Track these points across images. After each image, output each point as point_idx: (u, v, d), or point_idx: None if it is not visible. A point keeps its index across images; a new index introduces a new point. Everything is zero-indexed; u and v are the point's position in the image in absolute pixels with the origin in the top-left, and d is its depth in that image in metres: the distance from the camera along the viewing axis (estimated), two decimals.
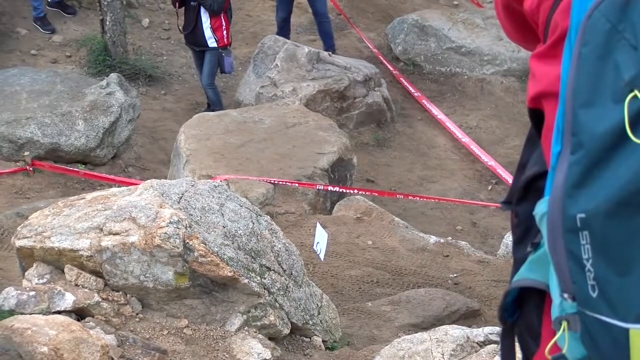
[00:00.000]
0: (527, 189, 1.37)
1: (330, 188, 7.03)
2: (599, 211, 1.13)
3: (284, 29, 10.51)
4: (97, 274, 3.63)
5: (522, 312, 1.39)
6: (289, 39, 10.23)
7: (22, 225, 3.86)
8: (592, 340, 1.18)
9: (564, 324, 1.20)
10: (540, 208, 1.24)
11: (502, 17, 1.58)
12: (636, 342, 1.14)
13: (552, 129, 1.23)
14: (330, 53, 10.19)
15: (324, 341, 4.25)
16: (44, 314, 3.38)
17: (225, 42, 9.42)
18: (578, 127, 1.15)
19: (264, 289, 3.85)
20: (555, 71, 1.23)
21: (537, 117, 1.34)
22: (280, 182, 6.76)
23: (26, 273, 3.74)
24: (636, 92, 1.10)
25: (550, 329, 1.25)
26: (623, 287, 1.13)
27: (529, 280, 1.32)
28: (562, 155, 1.18)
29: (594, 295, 1.15)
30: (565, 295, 1.19)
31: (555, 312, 1.22)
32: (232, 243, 3.78)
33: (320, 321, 4.28)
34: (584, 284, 1.16)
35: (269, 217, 4.42)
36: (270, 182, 6.72)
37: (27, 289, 3.54)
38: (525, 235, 1.36)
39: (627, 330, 1.14)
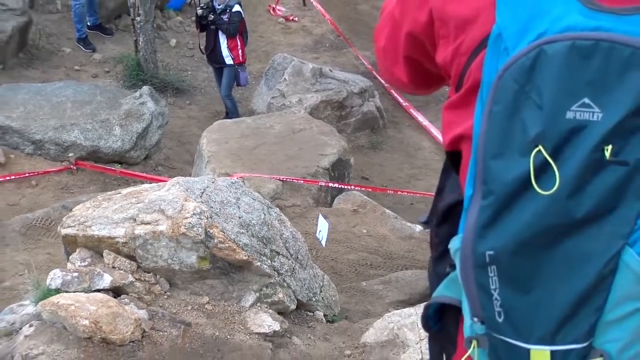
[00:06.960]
0: (446, 214, 1.35)
1: (330, 184, 7.02)
2: (505, 249, 1.13)
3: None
4: (131, 257, 3.62)
5: (443, 322, 1.38)
6: None
7: (67, 216, 3.85)
8: (497, 358, 1.18)
9: (474, 342, 1.20)
10: (455, 244, 1.23)
11: (396, 65, 1.53)
12: None
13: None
14: (331, 69, 10.18)
15: (325, 315, 4.25)
16: (85, 292, 3.38)
17: (241, 60, 9.42)
18: (489, 176, 1.14)
19: (274, 270, 3.84)
20: (469, 119, 1.20)
21: (453, 156, 1.32)
22: (288, 179, 6.75)
23: (70, 257, 3.74)
24: (540, 147, 1.09)
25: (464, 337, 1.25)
26: (525, 313, 1.14)
27: (446, 297, 1.31)
28: (474, 199, 1.17)
29: (500, 320, 1.16)
30: (475, 319, 1.19)
31: (466, 331, 1.22)
32: (247, 231, 3.78)
33: (322, 298, 4.28)
34: (491, 311, 1.16)
35: (278, 209, 4.41)
36: (279, 179, 6.71)
37: (71, 270, 3.54)
38: (445, 254, 1.33)
39: (528, 351, 1.15)
